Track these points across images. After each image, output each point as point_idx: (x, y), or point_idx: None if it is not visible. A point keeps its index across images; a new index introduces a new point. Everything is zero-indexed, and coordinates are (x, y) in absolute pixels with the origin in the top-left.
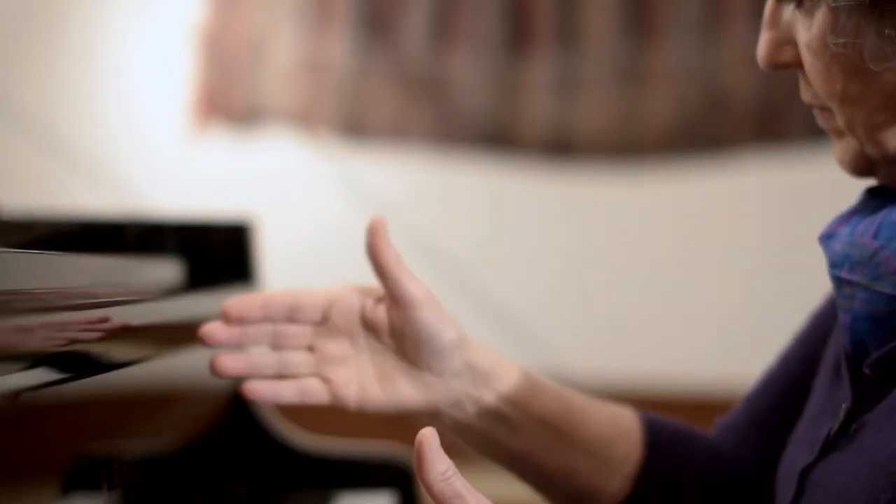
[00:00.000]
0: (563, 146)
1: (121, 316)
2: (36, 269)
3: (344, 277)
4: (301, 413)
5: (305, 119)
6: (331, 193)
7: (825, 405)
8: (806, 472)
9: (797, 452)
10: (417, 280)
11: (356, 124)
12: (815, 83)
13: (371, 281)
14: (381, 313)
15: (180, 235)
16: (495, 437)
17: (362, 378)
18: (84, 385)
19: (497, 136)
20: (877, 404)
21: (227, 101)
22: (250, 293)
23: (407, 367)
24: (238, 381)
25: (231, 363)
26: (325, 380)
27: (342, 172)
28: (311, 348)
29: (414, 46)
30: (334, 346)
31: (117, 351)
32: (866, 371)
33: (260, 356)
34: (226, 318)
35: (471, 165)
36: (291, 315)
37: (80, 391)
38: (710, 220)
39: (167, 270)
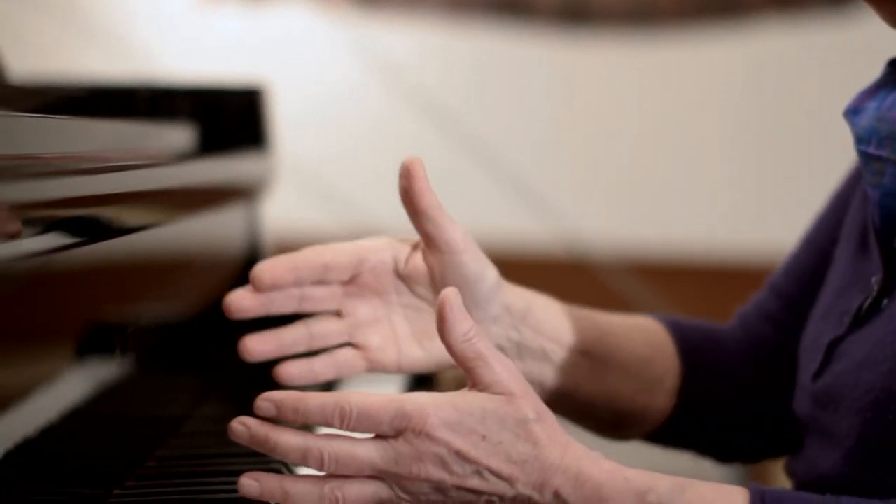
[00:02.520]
0: (577, 13)
1: (133, 180)
2: (48, 134)
3: (355, 141)
4: None
5: None
6: (343, 59)
7: (853, 278)
8: (834, 344)
9: (823, 325)
10: (457, 223)
11: None
12: None
13: (374, 152)
14: (417, 263)
15: (193, 100)
16: (538, 377)
17: (398, 338)
18: (97, 250)
19: (511, 2)
20: None
21: None
22: (277, 257)
23: None
24: (252, 248)
25: (261, 346)
26: (359, 347)
27: (355, 38)
28: (339, 313)
29: None
30: (364, 308)
31: (130, 216)
32: None
33: (288, 332)
34: (257, 285)
35: (485, 32)
36: (321, 277)
37: (93, 256)
38: (726, 87)
39: (179, 135)
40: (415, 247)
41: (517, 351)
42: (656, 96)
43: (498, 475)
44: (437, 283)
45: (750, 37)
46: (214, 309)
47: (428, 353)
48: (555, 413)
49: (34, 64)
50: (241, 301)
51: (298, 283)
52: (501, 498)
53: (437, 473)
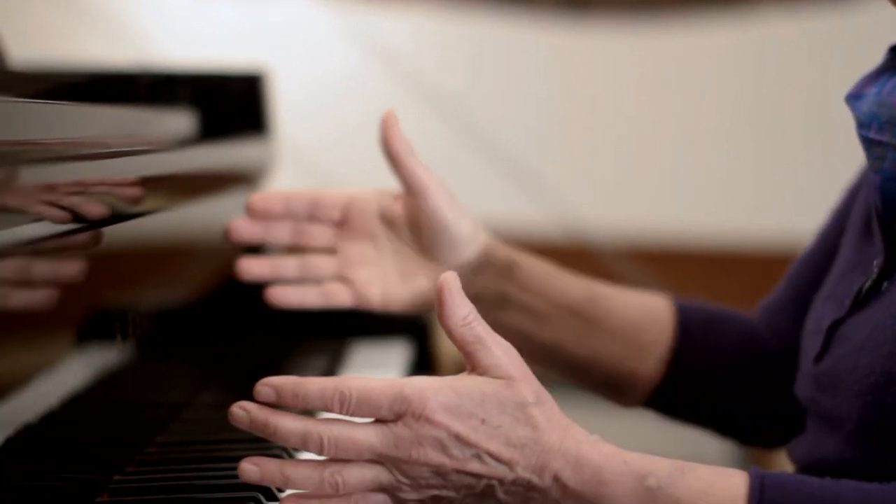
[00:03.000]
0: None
1: (134, 166)
2: (49, 120)
3: (353, 127)
4: None
5: None
6: (342, 46)
7: (855, 262)
8: (834, 326)
9: (825, 308)
10: (430, 171)
11: None
12: None
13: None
14: (398, 207)
15: (193, 86)
16: (521, 329)
17: (385, 277)
18: (98, 236)
19: None
20: None
21: None
22: (271, 190)
23: (427, 263)
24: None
25: (256, 267)
26: (347, 282)
27: (353, 24)
28: (332, 251)
29: None
30: (356, 249)
31: (131, 202)
32: None
33: (282, 259)
34: (250, 210)
35: (484, 18)
36: (312, 212)
37: (93, 242)
38: (725, 73)
39: (180, 121)
40: (398, 196)
41: (501, 302)
42: (655, 82)
43: (497, 459)
44: (412, 226)
45: (750, 23)
46: (215, 295)
47: (410, 292)
48: (545, 369)
49: (35, 50)
50: (240, 227)
51: (290, 215)
52: (501, 481)
53: (437, 457)
